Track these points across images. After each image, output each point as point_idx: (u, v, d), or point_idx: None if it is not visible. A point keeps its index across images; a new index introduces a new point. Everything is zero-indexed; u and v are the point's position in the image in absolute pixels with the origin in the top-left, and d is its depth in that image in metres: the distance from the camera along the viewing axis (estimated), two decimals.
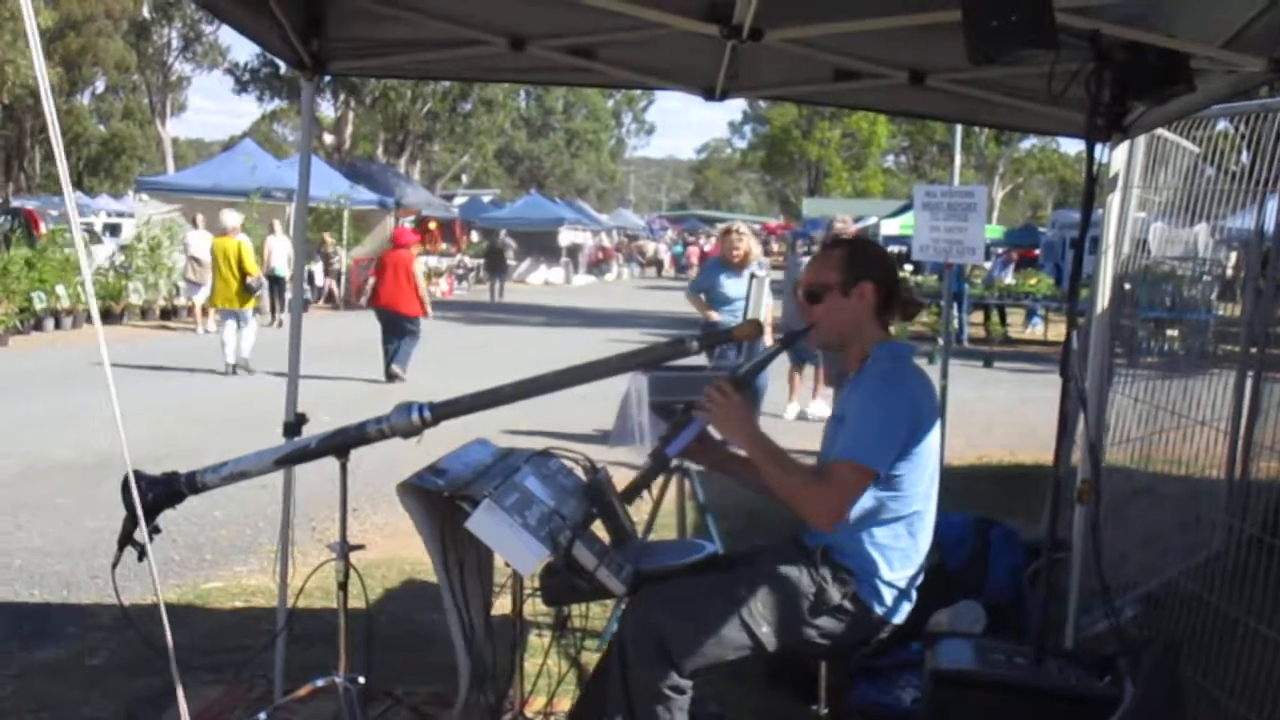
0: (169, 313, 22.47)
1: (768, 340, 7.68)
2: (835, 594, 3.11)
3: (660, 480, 4.92)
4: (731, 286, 8.92)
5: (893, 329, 3.37)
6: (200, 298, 20.39)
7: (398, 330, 13.89)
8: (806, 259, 7.94)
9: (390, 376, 13.83)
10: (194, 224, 20.85)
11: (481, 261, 37.27)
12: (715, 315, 8.86)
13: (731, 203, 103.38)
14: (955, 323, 21.38)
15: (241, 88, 48.37)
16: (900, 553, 3.15)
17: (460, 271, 36.50)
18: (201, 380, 13.71)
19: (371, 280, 13.77)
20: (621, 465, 3.34)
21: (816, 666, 3.31)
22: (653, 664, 2.98)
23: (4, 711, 4.25)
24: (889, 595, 3.16)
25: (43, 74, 2.16)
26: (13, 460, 8.45)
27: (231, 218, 15.06)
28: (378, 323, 14.15)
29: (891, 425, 3.07)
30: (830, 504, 3.03)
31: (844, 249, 3.33)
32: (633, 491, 3.15)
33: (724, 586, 3.13)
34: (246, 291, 14.36)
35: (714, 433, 3.27)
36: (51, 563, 6.15)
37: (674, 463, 4.89)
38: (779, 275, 13.68)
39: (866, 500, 3.10)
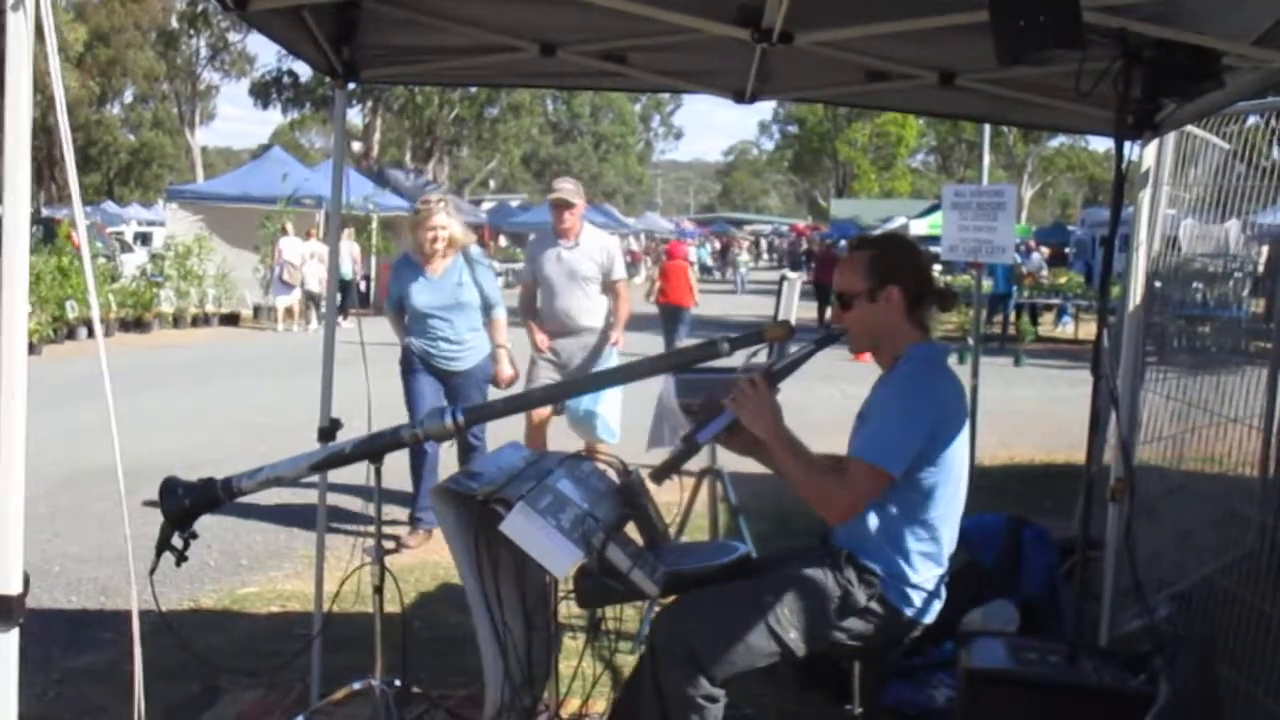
0: (201, 320, 22.63)
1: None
2: (861, 596, 3.12)
3: (693, 484, 4.94)
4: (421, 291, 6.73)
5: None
6: (288, 300, 22.13)
7: (677, 319, 16.99)
8: (554, 251, 7.22)
9: None
10: (284, 230, 22.29)
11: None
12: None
13: (759, 204, 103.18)
14: (998, 326, 21.27)
15: (264, 102, 48.62)
16: (925, 555, 3.15)
17: None
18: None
19: (658, 284, 17.32)
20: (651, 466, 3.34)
21: (850, 666, 3.32)
22: (684, 674, 3.00)
23: (46, 716, 4.30)
24: (917, 596, 3.16)
25: (59, 82, 2.19)
26: (50, 468, 8.52)
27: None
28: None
29: (912, 429, 3.07)
30: (841, 501, 3.06)
31: (870, 252, 3.28)
32: (662, 472, 3.18)
33: (751, 593, 3.14)
34: None
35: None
36: (89, 569, 6.21)
37: (706, 465, 4.92)
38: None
39: (890, 503, 3.12)
